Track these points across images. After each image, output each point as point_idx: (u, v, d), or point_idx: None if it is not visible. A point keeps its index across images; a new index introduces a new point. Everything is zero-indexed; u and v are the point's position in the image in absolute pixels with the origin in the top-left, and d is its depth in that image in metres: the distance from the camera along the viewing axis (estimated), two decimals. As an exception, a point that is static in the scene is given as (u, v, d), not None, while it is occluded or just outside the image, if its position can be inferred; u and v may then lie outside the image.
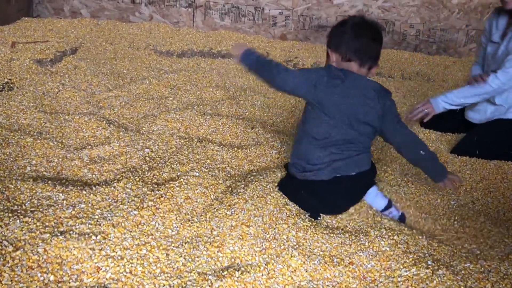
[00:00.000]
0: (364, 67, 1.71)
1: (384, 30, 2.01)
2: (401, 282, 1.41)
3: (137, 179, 1.80)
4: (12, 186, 1.61)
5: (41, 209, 1.50)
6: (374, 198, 1.82)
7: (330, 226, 1.68)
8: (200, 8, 4.47)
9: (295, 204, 1.76)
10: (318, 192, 1.76)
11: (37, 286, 1.22)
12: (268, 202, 1.71)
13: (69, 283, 1.26)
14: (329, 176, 1.72)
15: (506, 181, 2.11)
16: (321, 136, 1.72)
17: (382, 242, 1.57)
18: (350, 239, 1.59)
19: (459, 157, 2.36)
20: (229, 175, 1.96)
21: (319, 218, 1.73)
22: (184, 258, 1.42)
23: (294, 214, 1.70)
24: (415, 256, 1.51)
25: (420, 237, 1.62)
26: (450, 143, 2.54)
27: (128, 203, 1.62)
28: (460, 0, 4.38)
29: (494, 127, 2.42)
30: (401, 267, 1.47)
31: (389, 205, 1.82)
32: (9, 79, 2.74)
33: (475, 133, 2.44)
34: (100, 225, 1.48)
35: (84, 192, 1.65)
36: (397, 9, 4.45)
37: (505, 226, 1.74)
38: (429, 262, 1.47)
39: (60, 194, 1.61)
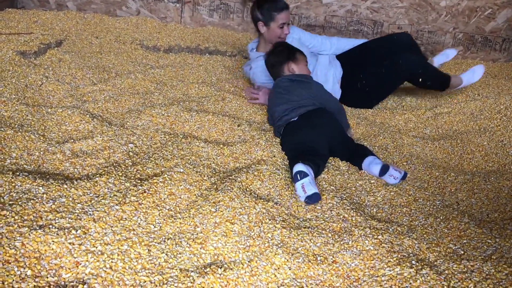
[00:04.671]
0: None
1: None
2: (385, 281, 1.40)
3: (120, 174, 1.77)
4: (-9, 179, 1.57)
5: (19, 203, 1.46)
6: (368, 166, 2.02)
7: (314, 225, 1.67)
8: (188, 4, 4.44)
9: (282, 203, 1.75)
10: None
11: (13, 280, 1.19)
12: (255, 201, 1.69)
13: (47, 278, 1.22)
14: None
15: (489, 183, 2.11)
16: None
17: (366, 241, 1.57)
18: (334, 239, 1.58)
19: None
20: (214, 172, 1.93)
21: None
22: (166, 254, 1.40)
23: (281, 213, 1.68)
24: (399, 256, 1.51)
25: (405, 236, 1.62)
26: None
27: (110, 198, 1.59)
28: (448, 3, 4.41)
29: None
30: (385, 266, 1.46)
31: (385, 169, 1.97)
32: (-9, 70, 2.68)
33: None
34: (80, 219, 1.45)
35: (65, 186, 1.61)
36: (385, 10, 4.47)
37: (489, 227, 1.74)
38: (413, 262, 1.47)
39: (40, 188, 1.57)
